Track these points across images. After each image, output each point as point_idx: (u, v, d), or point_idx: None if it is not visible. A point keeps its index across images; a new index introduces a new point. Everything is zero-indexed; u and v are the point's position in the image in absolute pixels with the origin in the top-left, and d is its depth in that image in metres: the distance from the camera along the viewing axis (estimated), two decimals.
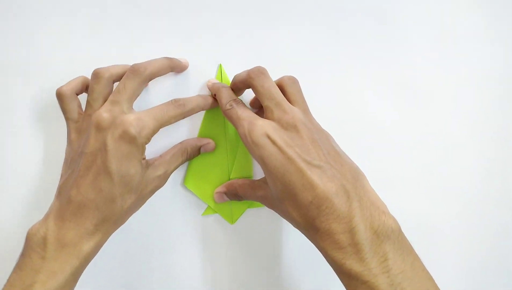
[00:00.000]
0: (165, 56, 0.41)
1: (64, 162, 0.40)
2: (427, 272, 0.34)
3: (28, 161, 0.43)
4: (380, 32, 0.46)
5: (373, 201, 0.35)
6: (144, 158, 0.38)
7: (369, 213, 0.33)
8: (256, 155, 0.36)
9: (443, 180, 0.47)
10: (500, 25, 0.48)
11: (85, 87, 0.41)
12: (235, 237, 0.46)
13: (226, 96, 0.40)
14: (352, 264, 0.32)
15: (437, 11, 0.47)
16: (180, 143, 0.42)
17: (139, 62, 0.39)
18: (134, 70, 0.38)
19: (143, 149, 0.37)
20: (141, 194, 0.38)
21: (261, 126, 0.35)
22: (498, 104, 0.48)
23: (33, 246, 0.35)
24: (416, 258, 0.34)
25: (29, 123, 0.43)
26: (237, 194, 0.42)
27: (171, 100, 0.39)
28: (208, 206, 0.45)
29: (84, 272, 0.37)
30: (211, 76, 0.44)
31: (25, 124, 0.43)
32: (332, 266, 0.34)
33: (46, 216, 0.36)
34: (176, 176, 0.44)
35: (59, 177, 0.40)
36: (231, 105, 0.39)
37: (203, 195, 0.44)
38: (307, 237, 0.36)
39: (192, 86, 0.44)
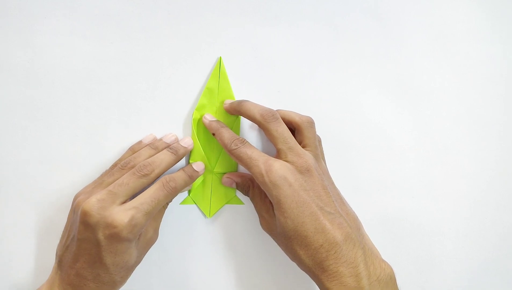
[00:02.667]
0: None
1: (65, 225, 0.41)
2: None
3: (28, 161, 0.43)
4: (380, 32, 0.46)
5: (372, 249, 0.38)
6: None
7: (371, 261, 0.36)
8: (272, 195, 0.37)
9: (443, 181, 0.47)
10: (501, 24, 0.47)
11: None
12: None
13: (228, 136, 0.40)
14: None
15: (436, 10, 0.47)
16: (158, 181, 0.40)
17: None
18: (140, 168, 0.38)
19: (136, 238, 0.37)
20: (138, 262, 0.39)
21: (279, 168, 0.37)
22: (500, 104, 0.48)
23: None
24: None
25: (29, 123, 0.43)
26: (248, 192, 0.43)
27: (161, 181, 0.38)
28: (188, 195, 0.45)
29: None
30: (210, 73, 0.45)
31: (25, 124, 0.43)
32: None
33: (51, 284, 0.38)
34: None
35: (59, 176, 0.42)
36: (236, 145, 0.39)
37: None
38: (310, 275, 0.37)
39: (192, 83, 0.45)
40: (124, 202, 0.37)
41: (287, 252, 0.39)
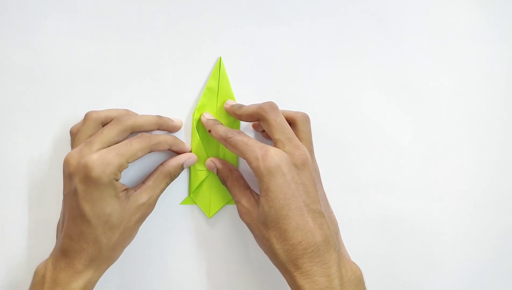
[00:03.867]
0: (156, 113, 0.42)
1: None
2: None
3: (28, 161, 0.43)
4: (380, 32, 0.46)
5: (344, 253, 0.39)
6: (125, 189, 0.38)
7: (343, 264, 0.37)
8: (263, 181, 0.36)
9: (443, 181, 0.47)
10: (501, 24, 0.47)
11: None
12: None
13: (224, 129, 0.40)
14: None
15: (437, 10, 0.47)
16: (161, 165, 0.42)
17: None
18: (117, 119, 0.38)
19: (114, 186, 0.36)
20: (126, 227, 0.38)
21: (276, 154, 0.36)
22: (500, 104, 0.47)
23: (35, 284, 0.38)
24: None
25: (29, 123, 0.43)
26: (226, 181, 0.42)
27: (138, 134, 0.39)
28: (188, 196, 0.45)
29: None
30: (210, 73, 0.45)
31: (25, 124, 0.43)
32: None
33: (50, 256, 0.38)
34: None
35: (59, 176, 0.41)
36: (232, 134, 0.39)
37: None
38: (282, 270, 0.37)
39: (192, 83, 0.45)
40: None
41: (262, 243, 0.38)
